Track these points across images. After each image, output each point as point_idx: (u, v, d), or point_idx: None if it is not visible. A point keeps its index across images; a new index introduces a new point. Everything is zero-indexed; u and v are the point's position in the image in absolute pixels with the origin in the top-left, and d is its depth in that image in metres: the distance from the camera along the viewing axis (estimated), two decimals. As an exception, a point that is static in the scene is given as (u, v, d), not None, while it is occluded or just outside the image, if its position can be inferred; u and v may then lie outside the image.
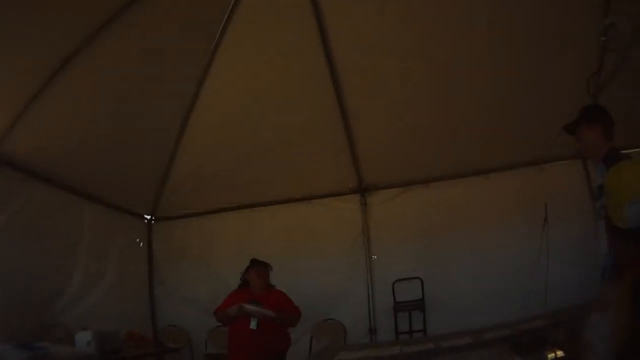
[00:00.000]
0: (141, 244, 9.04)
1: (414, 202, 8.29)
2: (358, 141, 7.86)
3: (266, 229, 8.41)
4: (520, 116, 7.26)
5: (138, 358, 6.83)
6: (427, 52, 6.71)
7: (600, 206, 3.59)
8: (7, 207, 6.24)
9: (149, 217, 9.15)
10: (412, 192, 8.36)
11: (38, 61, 5.54)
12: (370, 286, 8.23)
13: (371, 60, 6.87)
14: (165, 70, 6.64)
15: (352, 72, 6.99)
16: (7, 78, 5.48)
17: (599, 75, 5.96)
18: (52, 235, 6.99)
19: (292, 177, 8.02)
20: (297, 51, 6.80)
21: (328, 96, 7.21)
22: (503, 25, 6.30)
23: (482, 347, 5.89)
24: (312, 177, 8.10)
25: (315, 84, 7.14)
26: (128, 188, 8.16)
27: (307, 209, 8.48)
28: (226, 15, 6.34)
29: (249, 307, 6.08)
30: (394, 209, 8.35)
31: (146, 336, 7.26)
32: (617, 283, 2.33)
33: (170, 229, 9.13)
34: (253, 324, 6.11)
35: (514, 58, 6.62)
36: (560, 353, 6.30)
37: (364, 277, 8.19)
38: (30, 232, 6.56)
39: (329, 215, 8.40)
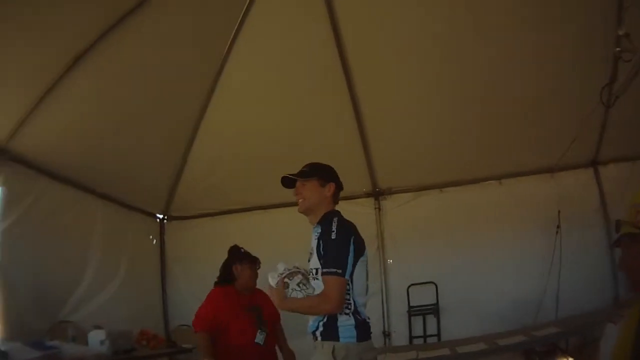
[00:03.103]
0: (154, 241, 9.05)
1: (429, 206, 8.27)
2: (372, 145, 7.85)
3: (278, 230, 8.25)
4: (534, 123, 7.27)
5: (151, 358, 6.75)
6: (443, 55, 6.69)
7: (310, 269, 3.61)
8: (18, 204, 6.20)
9: (161, 216, 9.15)
10: (426, 197, 8.35)
11: (51, 57, 5.51)
12: (384, 290, 8.26)
13: (387, 64, 6.89)
14: (179, 71, 6.63)
15: (367, 75, 6.98)
16: (20, 73, 5.46)
17: (612, 86, 5.99)
18: (64, 233, 6.95)
19: None
20: (311, 54, 6.80)
21: (342, 99, 7.22)
22: (520, 32, 6.31)
23: (496, 353, 5.90)
24: None
25: (330, 88, 7.16)
26: (141, 187, 8.14)
27: (321, 212, 8.25)
28: (240, 16, 6.36)
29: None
30: (408, 213, 8.33)
31: (159, 335, 7.20)
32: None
33: (182, 228, 9.12)
34: (260, 338, 5.07)
35: (530, 65, 6.63)
36: (570, 360, 6.34)
37: (379, 280, 8.19)
38: (41, 229, 6.52)
39: (343, 219, 8.18)
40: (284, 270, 3.58)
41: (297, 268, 3.58)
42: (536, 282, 7.42)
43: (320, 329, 3.44)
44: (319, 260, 3.44)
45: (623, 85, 5.50)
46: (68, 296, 6.95)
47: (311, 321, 3.52)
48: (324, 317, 3.42)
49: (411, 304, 8.00)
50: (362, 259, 3.51)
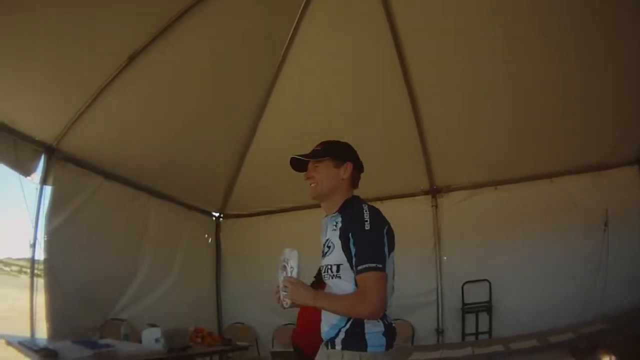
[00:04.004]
0: (209, 240, 9.21)
1: (483, 204, 8.25)
2: (430, 143, 7.89)
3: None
4: (582, 123, 7.28)
5: (205, 355, 6.79)
6: (500, 56, 6.66)
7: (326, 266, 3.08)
8: (69, 202, 6.43)
9: (217, 214, 9.33)
10: (481, 195, 8.32)
11: (105, 58, 5.67)
12: (440, 287, 8.25)
13: (445, 64, 6.90)
14: (237, 72, 6.76)
15: (425, 74, 7.01)
16: (73, 73, 5.62)
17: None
18: (117, 231, 7.18)
19: (364, 178, 7.87)
20: (370, 53, 6.85)
21: (401, 98, 7.27)
22: (573, 38, 6.34)
23: (545, 350, 5.96)
24: (384, 179, 7.89)
25: (389, 87, 7.21)
26: (197, 186, 8.36)
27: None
28: (297, 17, 6.46)
29: None
30: (464, 211, 8.32)
31: (213, 333, 7.22)
32: None
33: (238, 227, 9.31)
34: None
35: (581, 67, 6.65)
36: (614, 357, 6.40)
37: (434, 278, 8.19)
38: (93, 228, 6.72)
39: (400, 216, 8.12)
40: (283, 260, 3.10)
41: (287, 262, 3.05)
42: (585, 279, 7.44)
43: (342, 336, 2.95)
44: (346, 255, 2.95)
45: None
46: (120, 294, 7.15)
47: (326, 327, 3.05)
48: (345, 323, 2.94)
49: (465, 302, 8.00)
50: (392, 253, 3.02)
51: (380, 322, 2.91)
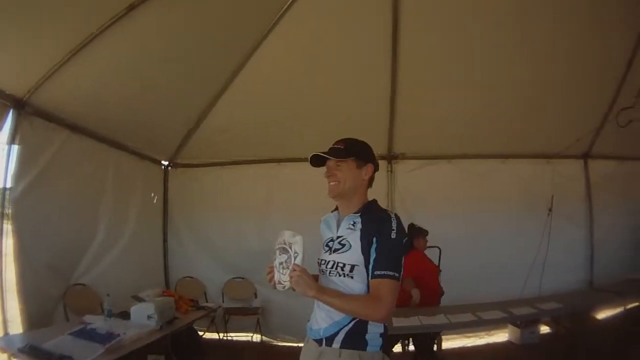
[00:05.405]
0: (155, 199, 8.94)
1: (437, 175, 8.56)
2: (398, 111, 7.99)
3: (288, 184, 8.50)
4: (542, 114, 7.86)
5: (190, 323, 6.64)
6: (488, 39, 6.91)
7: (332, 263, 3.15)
8: (37, 161, 6.09)
9: (166, 163, 9.07)
10: (436, 166, 8.62)
11: (80, 19, 5.37)
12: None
13: (433, 35, 7.01)
14: (223, 36, 6.63)
15: (413, 41, 7.02)
16: (56, 25, 5.30)
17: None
18: (80, 188, 6.90)
19: (330, 134, 7.81)
20: (364, 16, 6.75)
21: (384, 63, 7.31)
22: (546, 40, 6.83)
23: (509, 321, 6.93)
24: (346, 135, 7.89)
25: (373, 51, 7.19)
26: (154, 136, 8.12)
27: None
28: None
29: None
30: (417, 179, 8.59)
31: (183, 295, 7.08)
32: None
33: (186, 176, 9.10)
34: None
35: (563, 66, 7.19)
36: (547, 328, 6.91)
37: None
38: (59, 186, 6.45)
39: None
40: (283, 242, 3.06)
41: (289, 246, 3.00)
42: (526, 257, 8.08)
43: (342, 335, 3.03)
44: (364, 257, 3.03)
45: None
46: (81, 257, 6.90)
47: (325, 323, 3.10)
48: (348, 322, 3.02)
49: (415, 265, 8.26)
50: None
51: (382, 324, 3.06)
